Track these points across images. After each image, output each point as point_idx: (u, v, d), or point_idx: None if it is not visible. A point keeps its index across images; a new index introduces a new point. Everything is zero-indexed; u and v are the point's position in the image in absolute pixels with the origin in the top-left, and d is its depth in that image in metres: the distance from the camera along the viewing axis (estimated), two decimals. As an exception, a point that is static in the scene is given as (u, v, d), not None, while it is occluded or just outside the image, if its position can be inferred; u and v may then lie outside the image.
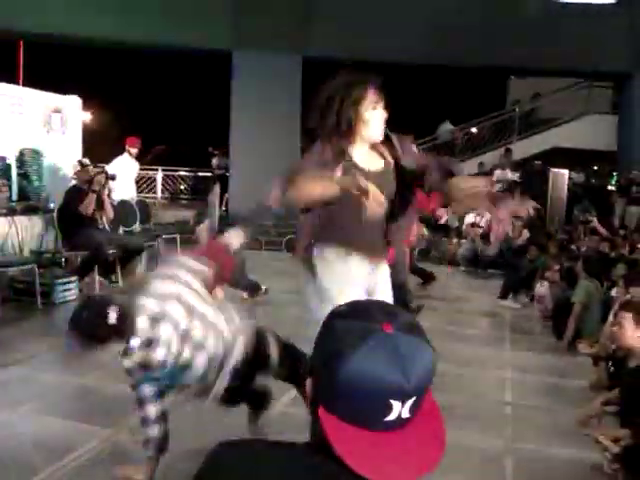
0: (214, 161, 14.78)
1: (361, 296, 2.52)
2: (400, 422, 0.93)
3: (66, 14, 12.84)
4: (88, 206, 6.58)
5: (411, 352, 0.92)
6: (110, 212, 7.16)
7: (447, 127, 16.19)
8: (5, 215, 6.46)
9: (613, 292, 5.55)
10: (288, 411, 3.77)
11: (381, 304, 1.02)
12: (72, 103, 8.70)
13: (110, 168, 7.88)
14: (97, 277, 6.63)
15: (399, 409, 0.91)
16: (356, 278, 2.63)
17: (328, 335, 0.97)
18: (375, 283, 2.73)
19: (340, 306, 1.03)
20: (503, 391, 4.33)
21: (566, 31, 12.74)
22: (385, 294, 2.74)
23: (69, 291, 6.28)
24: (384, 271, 2.80)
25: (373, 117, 2.62)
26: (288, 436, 2.96)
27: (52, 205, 7.13)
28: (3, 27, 13.11)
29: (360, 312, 0.98)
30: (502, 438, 3.55)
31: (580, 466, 3.27)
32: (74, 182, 7.09)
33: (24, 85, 12.33)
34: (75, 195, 6.69)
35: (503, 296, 7.27)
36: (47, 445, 3.14)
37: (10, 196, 7.06)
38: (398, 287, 3.39)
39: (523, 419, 3.87)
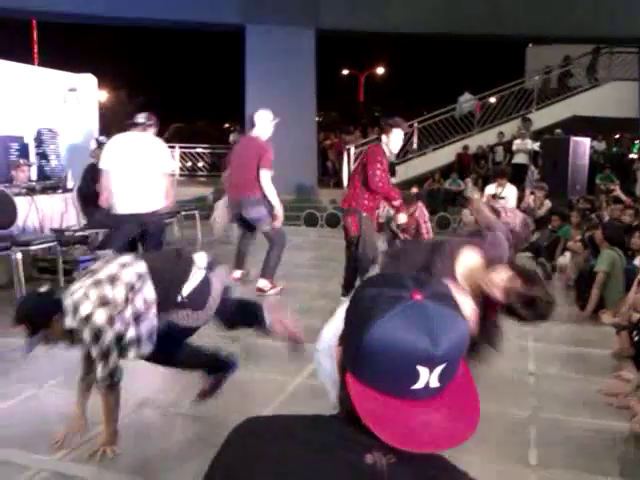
0: (232, 137, 14.79)
1: None
2: (429, 392, 0.91)
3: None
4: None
5: (440, 320, 0.90)
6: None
7: (467, 98, 15.98)
8: (25, 194, 6.50)
9: (637, 261, 5.48)
10: (307, 382, 3.79)
11: (413, 274, 1.00)
12: (87, 82, 8.70)
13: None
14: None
15: (427, 377, 0.89)
16: None
17: (357, 302, 0.97)
18: None
19: (372, 275, 1.02)
20: (526, 361, 4.32)
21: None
22: None
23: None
24: None
25: None
26: (308, 408, 2.97)
27: (71, 184, 7.18)
28: (16, 7, 13.10)
29: (390, 280, 0.97)
30: (525, 408, 3.54)
31: (604, 435, 3.26)
32: (92, 160, 7.12)
33: (39, 65, 12.36)
34: (93, 173, 6.71)
35: None
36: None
37: (29, 175, 7.12)
38: None
39: (546, 389, 3.85)
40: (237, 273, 6.28)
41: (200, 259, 2.94)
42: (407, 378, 0.90)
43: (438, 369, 0.90)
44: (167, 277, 2.80)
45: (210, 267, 2.94)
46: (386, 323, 0.89)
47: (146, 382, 3.60)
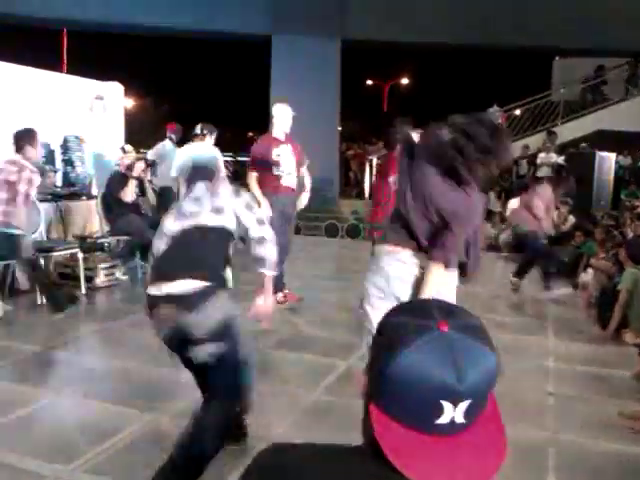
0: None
1: None
2: (454, 427, 0.89)
3: (107, 2, 12.98)
4: (128, 192, 6.68)
5: (467, 353, 0.88)
6: (152, 198, 7.26)
7: (494, 110, 15.87)
8: (50, 200, 6.60)
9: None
10: (323, 398, 3.77)
11: (442, 303, 0.98)
12: (114, 90, 8.81)
13: (150, 154, 7.97)
14: (140, 262, 6.74)
15: (451, 412, 0.88)
16: None
17: (383, 330, 0.96)
18: None
19: (400, 303, 1.01)
20: (546, 381, 4.25)
21: (613, 8, 12.33)
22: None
23: (112, 276, 6.40)
24: None
25: None
26: (323, 425, 2.95)
27: (96, 191, 7.27)
28: (48, 16, 13.34)
29: (417, 309, 0.96)
30: (544, 429, 3.48)
31: (624, 460, 3.19)
32: (117, 168, 7.20)
33: (68, 72, 12.55)
34: (117, 181, 6.80)
35: (517, 273, 6.92)
36: (90, 428, 3.20)
37: (54, 182, 7.22)
38: None
39: (566, 410, 3.79)
40: None
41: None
42: (431, 412, 0.88)
43: (463, 405, 0.88)
44: None
45: None
46: (411, 354, 0.87)
47: (160, 391, 3.61)
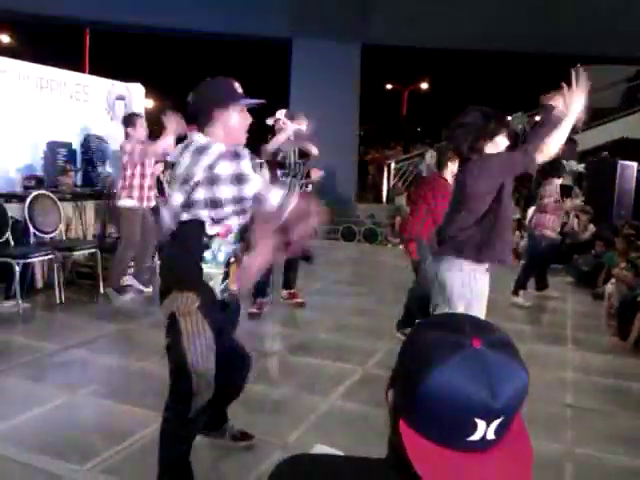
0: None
1: None
2: (484, 444, 0.88)
3: (131, 3, 13.08)
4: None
5: (500, 370, 0.87)
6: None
7: (519, 115, 15.74)
8: (70, 200, 6.64)
9: (683, 292, 5.30)
10: (339, 404, 3.75)
11: (474, 319, 0.97)
12: (135, 90, 8.86)
13: (171, 156, 7.98)
14: (158, 262, 6.76)
15: (484, 429, 0.87)
16: None
17: (414, 346, 0.94)
18: None
19: (430, 317, 1.00)
20: (564, 392, 4.19)
21: (637, 15, 12.21)
22: None
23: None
24: None
25: None
26: (339, 431, 2.92)
27: (116, 191, 7.31)
28: (70, 15, 13.48)
29: (449, 325, 0.94)
30: (562, 442, 3.43)
31: (644, 475, 3.14)
32: (136, 169, 7.22)
33: (90, 72, 12.65)
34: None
35: (515, 292, 6.72)
36: (106, 428, 3.21)
37: (75, 181, 7.28)
38: None
39: (584, 423, 3.74)
40: None
41: None
42: (464, 429, 0.87)
43: (496, 422, 0.87)
44: None
45: None
46: (445, 371, 0.86)
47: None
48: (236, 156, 2.26)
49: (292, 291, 5.98)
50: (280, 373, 4.36)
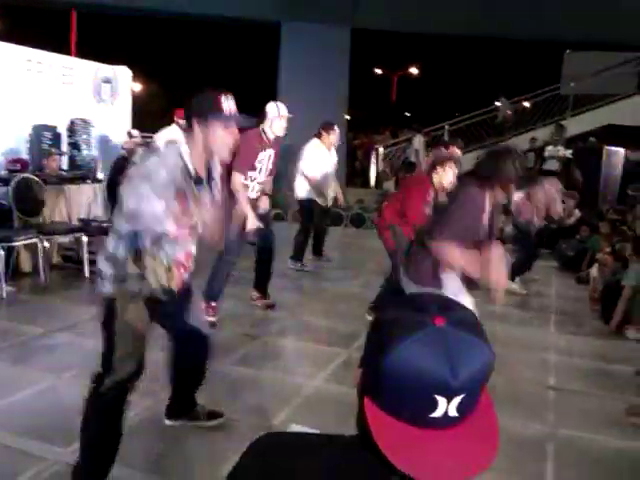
0: None
1: None
2: (447, 421, 0.89)
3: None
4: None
5: (461, 348, 0.88)
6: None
7: (503, 101, 15.74)
8: (55, 183, 6.59)
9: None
10: (324, 386, 3.77)
11: (439, 297, 0.97)
12: (122, 73, 8.79)
13: (157, 139, 7.94)
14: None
15: (445, 406, 0.87)
16: None
17: (379, 325, 0.95)
18: None
19: (396, 298, 1.00)
20: (547, 374, 4.25)
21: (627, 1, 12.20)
22: None
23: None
24: None
25: None
26: (324, 412, 2.94)
27: (101, 175, 7.27)
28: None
29: (415, 304, 0.94)
30: (544, 423, 3.48)
31: (625, 455, 3.19)
32: (122, 152, 7.19)
33: (76, 55, 12.52)
34: (122, 165, 6.78)
35: (511, 278, 6.37)
36: (90, 411, 3.21)
37: (60, 165, 7.22)
38: None
39: (566, 404, 3.78)
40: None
41: None
42: (425, 406, 0.88)
43: (457, 399, 0.88)
44: None
45: None
46: (405, 349, 0.87)
47: (160, 375, 3.61)
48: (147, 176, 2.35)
49: (262, 295, 5.47)
50: (265, 356, 4.38)
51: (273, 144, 5.05)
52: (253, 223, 4.67)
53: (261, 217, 4.99)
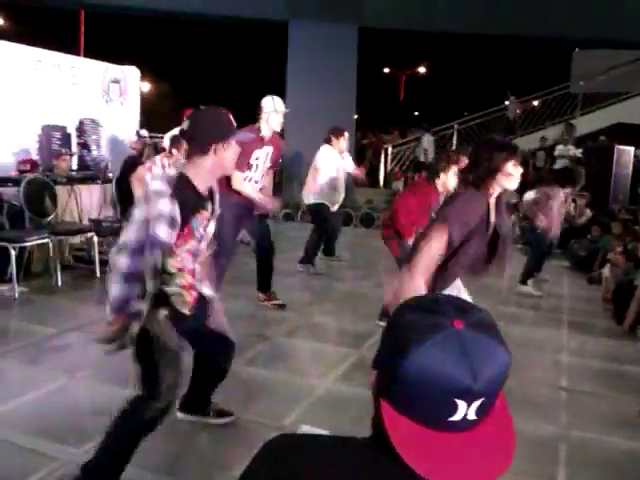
0: None
1: None
2: (465, 424, 0.88)
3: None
4: (138, 177, 6.67)
5: (481, 351, 0.87)
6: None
7: (512, 100, 15.69)
8: (65, 184, 6.61)
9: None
10: (335, 387, 3.76)
11: (455, 300, 0.97)
12: (131, 73, 8.81)
13: (166, 139, 7.95)
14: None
15: (465, 410, 0.87)
16: None
17: (395, 327, 0.94)
18: None
19: (411, 298, 0.99)
20: (559, 376, 4.22)
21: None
22: None
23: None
24: None
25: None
26: (335, 413, 2.93)
27: (111, 174, 7.28)
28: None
29: (431, 306, 0.94)
30: (556, 424, 3.46)
31: (637, 457, 3.17)
32: (131, 152, 7.20)
33: (85, 55, 12.56)
34: (131, 165, 6.79)
35: (523, 281, 6.64)
36: (103, 411, 3.18)
37: (70, 165, 7.24)
38: None
39: (579, 405, 3.76)
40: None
41: None
42: (444, 410, 0.87)
43: (477, 403, 0.87)
44: None
45: None
46: (425, 352, 0.86)
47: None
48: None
49: (268, 293, 5.43)
50: (276, 356, 4.38)
51: (271, 140, 4.89)
52: (268, 202, 4.82)
53: (259, 217, 5.01)
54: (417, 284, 2.51)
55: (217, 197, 2.60)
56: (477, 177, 2.71)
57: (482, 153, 2.74)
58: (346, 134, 6.89)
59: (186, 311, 2.46)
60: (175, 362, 2.49)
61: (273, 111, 4.83)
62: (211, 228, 2.57)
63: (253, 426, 3.13)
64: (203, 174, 2.43)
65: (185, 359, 2.93)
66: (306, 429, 1.51)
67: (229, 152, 2.46)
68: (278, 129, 4.94)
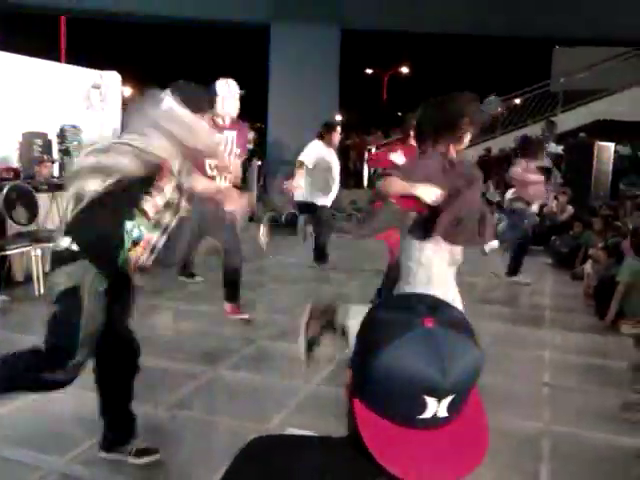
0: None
1: None
2: (436, 421, 0.89)
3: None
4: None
5: (451, 348, 0.88)
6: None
7: (493, 100, 15.78)
8: (47, 191, 6.56)
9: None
10: (320, 389, 3.77)
11: (428, 298, 0.98)
12: (111, 79, 8.76)
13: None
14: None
15: (435, 407, 0.88)
16: None
17: (368, 326, 0.95)
18: None
19: (385, 297, 1.01)
20: (542, 371, 4.25)
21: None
22: None
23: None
24: None
25: None
26: (320, 415, 2.94)
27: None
28: (45, 3, 13.26)
29: (403, 305, 0.95)
30: (539, 420, 3.49)
31: (620, 451, 3.20)
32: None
33: (66, 61, 12.49)
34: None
35: (513, 272, 6.82)
36: (86, 419, 3.19)
37: (52, 172, 7.19)
38: None
39: (562, 400, 3.79)
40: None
41: None
42: (415, 407, 0.88)
43: (447, 400, 0.88)
44: None
45: None
46: (394, 351, 0.87)
47: (155, 382, 3.60)
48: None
49: (236, 305, 5.05)
50: (261, 359, 4.38)
51: (231, 125, 4.68)
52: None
53: (228, 227, 4.56)
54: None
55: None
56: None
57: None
58: (338, 129, 6.97)
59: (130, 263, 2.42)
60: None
61: (228, 95, 4.63)
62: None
63: (238, 429, 3.13)
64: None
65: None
66: (291, 431, 1.52)
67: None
68: (234, 114, 4.71)
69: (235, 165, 4.71)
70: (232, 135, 4.68)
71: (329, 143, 6.83)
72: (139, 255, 2.42)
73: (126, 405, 2.78)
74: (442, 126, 3.00)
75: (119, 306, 2.60)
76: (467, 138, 3.03)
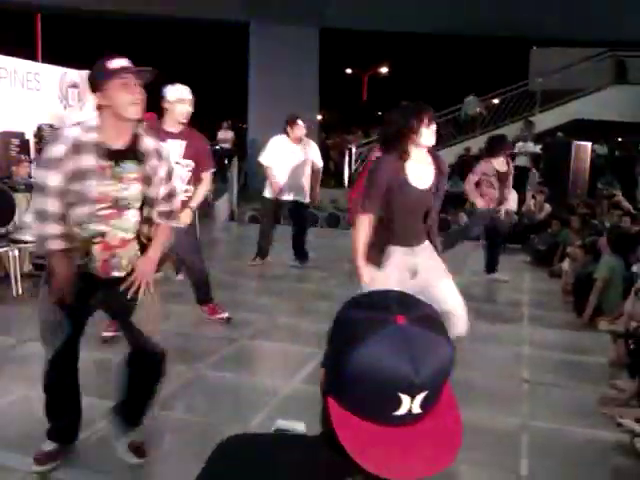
0: (220, 134, 14.48)
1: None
2: (411, 418, 0.90)
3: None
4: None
5: (423, 345, 0.89)
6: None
7: (472, 100, 15.89)
8: (24, 191, 6.49)
9: (634, 268, 5.45)
10: (301, 387, 3.78)
11: (400, 295, 0.98)
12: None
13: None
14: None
15: (409, 404, 0.88)
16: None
17: (340, 325, 0.95)
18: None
19: (357, 295, 1.01)
20: (521, 368, 4.30)
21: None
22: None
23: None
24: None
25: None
26: (301, 413, 2.94)
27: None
28: (20, 0, 13.11)
29: (375, 302, 0.95)
30: (518, 416, 3.52)
31: (598, 445, 3.25)
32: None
33: (42, 59, 12.35)
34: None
35: (491, 269, 6.89)
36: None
37: (29, 172, 7.11)
38: None
39: (540, 396, 3.84)
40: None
41: None
42: (388, 405, 0.88)
43: (420, 396, 0.88)
44: None
45: None
46: (367, 348, 0.87)
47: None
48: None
49: (211, 305, 4.98)
50: (242, 359, 4.37)
51: (182, 134, 4.39)
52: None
53: (186, 245, 4.44)
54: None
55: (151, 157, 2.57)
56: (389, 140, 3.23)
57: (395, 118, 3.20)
58: (299, 122, 6.85)
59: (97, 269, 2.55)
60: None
61: (179, 100, 4.35)
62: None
63: (221, 429, 3.12)
64: (105, 126, 2.52)
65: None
66: (282, 424, 1.51)
67: (114, 95, 2.44)
68: (184, 120, 4.40)
69: (202, 184, 4.54)
70: (181, 144, 4.37)
71: (293, 138, 6.81)
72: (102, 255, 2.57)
73: (145, 405, 2.85)
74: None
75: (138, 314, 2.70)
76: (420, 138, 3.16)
